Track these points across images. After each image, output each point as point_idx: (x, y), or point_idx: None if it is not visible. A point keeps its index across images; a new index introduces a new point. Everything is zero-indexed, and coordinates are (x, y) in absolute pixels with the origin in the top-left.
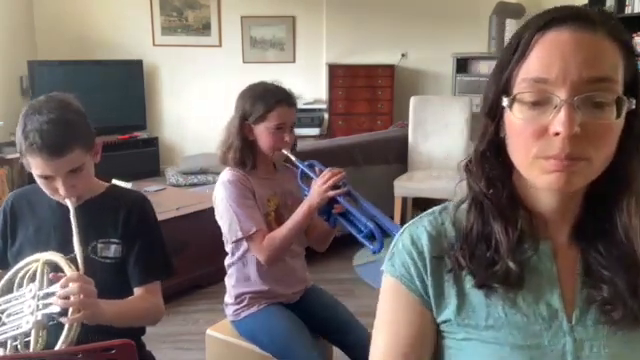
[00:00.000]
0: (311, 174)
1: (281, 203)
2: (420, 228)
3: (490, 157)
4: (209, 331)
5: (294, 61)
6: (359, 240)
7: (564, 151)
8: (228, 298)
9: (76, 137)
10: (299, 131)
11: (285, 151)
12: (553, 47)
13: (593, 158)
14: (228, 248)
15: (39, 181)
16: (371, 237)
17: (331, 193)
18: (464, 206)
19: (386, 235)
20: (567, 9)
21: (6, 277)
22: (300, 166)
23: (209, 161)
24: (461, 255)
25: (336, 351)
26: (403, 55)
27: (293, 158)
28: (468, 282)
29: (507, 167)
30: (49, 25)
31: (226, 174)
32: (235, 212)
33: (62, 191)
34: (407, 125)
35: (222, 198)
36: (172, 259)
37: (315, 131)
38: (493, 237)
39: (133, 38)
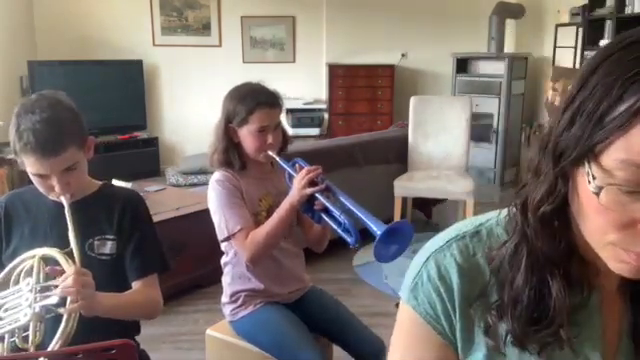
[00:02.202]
0: (293, 173)
1: (275, 203)
2: (448, 258)
3: (554, 214)
4: (209, 331)
5: (294, 61)
6: (338, 234)
7: None
8: (224, 297)
9: (69, 135)
10: (299, 131)
11: (271, 152)
12: None
13: None
14: (223, 247)
15: (34, 179)
16: (349, 231)
17: (308, 190)
18: (504, 240)
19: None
20: None
21: (2, 274)
22: (284, 166)
23: (209, 163)
24: (501, 312)
25: (336, 350)
26: (403, 55)
27: (277, 159)
28: (502, 332)
29: (569, 213)
30: (49, 25)
31: (215, 174)
32: (222, 211)
33: (57, 189)
34: (407, 125)
35: (211, 198)
36: (167, 254)
37: (315, 131)
38: (549, 300)
39: (133, 38)
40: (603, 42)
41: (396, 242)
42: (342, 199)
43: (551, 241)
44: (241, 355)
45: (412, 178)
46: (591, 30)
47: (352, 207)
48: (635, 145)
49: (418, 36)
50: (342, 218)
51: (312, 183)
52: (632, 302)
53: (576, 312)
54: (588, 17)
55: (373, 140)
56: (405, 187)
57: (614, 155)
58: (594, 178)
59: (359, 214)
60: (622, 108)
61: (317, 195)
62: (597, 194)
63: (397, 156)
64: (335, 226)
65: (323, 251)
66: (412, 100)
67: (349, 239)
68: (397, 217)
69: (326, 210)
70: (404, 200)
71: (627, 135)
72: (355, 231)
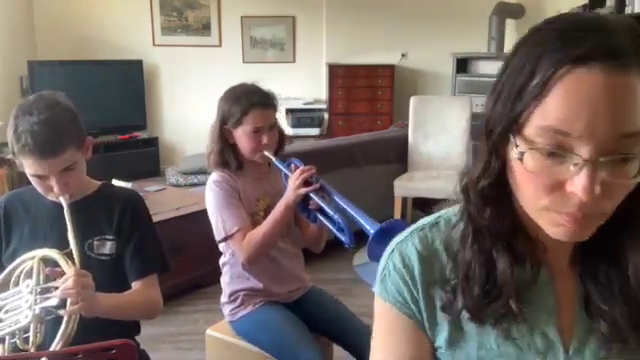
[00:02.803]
0: (289, 173)
1: (272, 203)
2: (410, 247)
3: (493, 189)
4: (209, 331)
5: (294, 61)
6: (334, 234)
7: (582, 211)
8: (223, 297)
9: (67, 136)
10: (299, 131)
11: (266, 152)
12: (580, 93)
13: (608, 210)
14: (221, 247)
15: (32, 180)
16: (344, 230)
17: (303, 190)
18: (459, 226)
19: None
20: (597, 35)
21: (1, 276)
22: (280, 167)
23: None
24: (457, 290)
25: (336, 350)
26: (403, 55)
27: (273, 159)
28: (463, 313)
29: (509, 194)
30: (49, 25)
31: (213, 175)
32: (220, 212)
33: (56, 189)
34: (407, 125)
35: (209, 199)
36: (166, 254)
37: (315, 131)
38: (495, 273)
39: (133, 38)
40: None
41: (390, 240)
42: (336, 199)
43: (493, 217)
44: (241, 355)
45: (412, 178)
46: None
47: (346, 207)
48: (550, 111)
49: (418, 36)
50: (336, 217)
51: (307, 183)
52: (582, 277)
53: (527, 288)
54: None
55: (373, 140)
56: (405, 187)
57: (533, 123)
58: (517, 146)
59: (353, 213)
60: (535, 81)
61: (312, 195)
62: (521, 159)
63: (397, 156)
64: (330, 225)
65: (323, 251)
66: (412, 100)
67: (344, 238)
68: (397, 217)
69: (321, 210)
70: (404, 200)
71: (542, 104)
72: (349, 231)
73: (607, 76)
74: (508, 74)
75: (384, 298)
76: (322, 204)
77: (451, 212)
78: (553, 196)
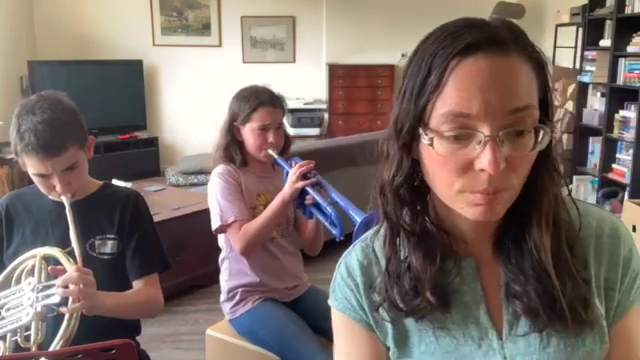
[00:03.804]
0: (290, 170)
1: (273, 200)
2: (353, 258)
3: (407, 186)
4: (209, 331)
5: (294, 61)
6: (326, 227)
7: (492, 186)
8: (222, 295)
9: (70, 136)
10: (299, 131)
11: (271, 151)
12: (471, 78)
13: (516, 185)
14: (220, 243)
15: (35, 179)
16: (335, 223)
17: (300, 184)
18: (381, 233)
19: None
20: (479, 29)
21: (3, 274)
22: (282, 165)
23: (209, 161)
24: (385, 287)
25: None
26: (403, 55)
27: (276, 157)
28: (397, 312)
29: (423, 190)
30: (49, 25)
31: (217, 168)
32: (219, 202)
33: (58, 188)
34: None
35: (210, 189)
36: (167, 253)
37: (315, 131)
38: (412, 269)
39: (133, 38)
40: (603, 42)
41: None
42: (331, 193)
43: (408, 214)
44: (241, 355)
45: None
46: (591, 30)
47: (339, 200)
48: (448, 99)
49: (418, 36)
50: (329, 210)
51: (304, 178)
52: (503, 264)
53: (452, 281)
54: (588, 17)
55: (373, 140)
56: None
57: (436, 113)
58: (426, 135)
59: (343, 205)
60: (432, 76)
61: (308, 189)
62: (431, 145)
63: None
64: (323, 219)
65: (323, 252)
66: None
67: (334, 231)
68: None
69: (316, 205)
70: None
71: (441, 95)
72: (341, 223)
73: (491, 61)
74: (409, 75)
75: (336, 307)
76: (317, 197)
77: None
78: (465, 177)
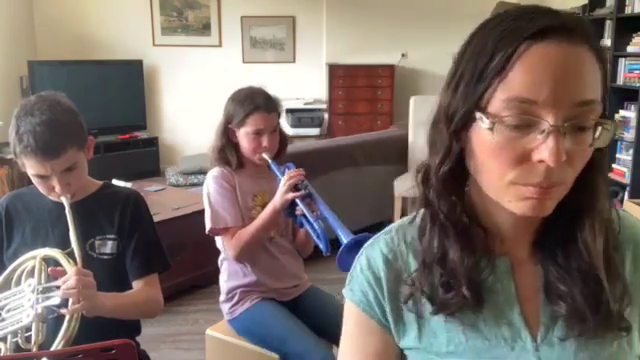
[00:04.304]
0: (282, 178)
1: (270, 200)
2: (376, 250)
3: (452, 175)
4: (209, 331)
5: (294, 61)
6: (313, 240)
7: (547, 180)
8: (222, 296)
9: (69, 137)
10: (299, 131)
11: (265, 155)
12: (543, 64)
13: (569, 181)
14: (219, 244)
15: (34, 180)
16: (321, 238)
17: (289, 196)
18: (417, 222)
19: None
20: (551, 15)
21: (3, 275)
22: (275, 172)
23: (209, 161)
24: (417, 280)
25: (336, 350)
26: (403, 55)
27: (270, 162)
28: (427, 307)
29: (462, 181)
30: (49, 25)
31: (212, 170)
32: (211, 207)
33: (58, 189)
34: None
35: (205, 192)
36: (167, 253)
37: (315, 131)
38: (449, 261)
39: (133, 38)
40: (603, 42)
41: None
42: (320, 207)
43: (450, 203)
44: (241, 355)
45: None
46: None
47: (327, 216)
48: (515, 84)
49: (418, 36)
50: (316, 225)
51: (296, 188)
52: (543, 264)
53: (486, 279)
54: (588, 17)
55: (373, 140)
56: (405, 187)
57: (498, 98)
58: (487, 119)
59: (332, 222)
60: (496, 59)
61: (297, 201)
62: (491, 129)
63: (397, 156)
64: (311, 231)
65: (305, 256)
66: (412, 100)
67: (321, 246)
68: (397, 217)
69: (305, 216)
70: (404, 200)
71: (505, 79)
72: (326, 239)
73: (563, 48)
74: (467, 59)
75: (350, 298)
76: (305, 211)
77: (416, 213)
78: (519, 169)
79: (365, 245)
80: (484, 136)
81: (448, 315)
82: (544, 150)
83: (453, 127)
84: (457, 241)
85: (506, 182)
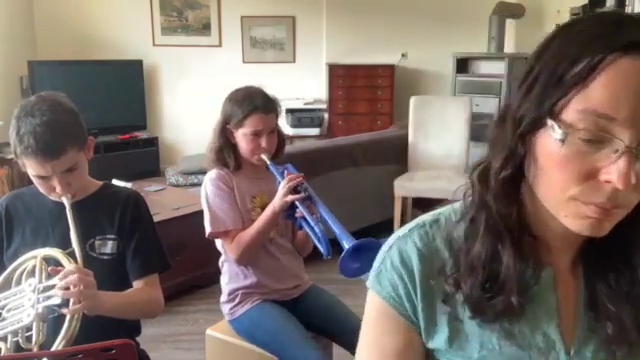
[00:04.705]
0: (281, 180)
1: (269, 201)
2: (410, 244)
3: (512, 179)
4: (209, 331)
5: (294, 61)
6: (313, 243)
7: (612, 201)
8: (223, 297)
9: (70, 138)
10: (299, 131)
11: (263, 156)
12: (628, 80)
13: (632, 205)
14: (219, 246)
15: (35, 181)
16: (322, 242)
17: (289, 198)
18: (461, 223)
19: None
20: None
21: (4, 275)
22: (274, 172)
23: (206, 162)
24: (461, 281)
25: (336, 349)
26: (403, 55)
27: (268, 163)
28: (461, 309)
29: (517, 186)
30: (49, 25)
31: (210, 173)
32: (210, 210)
33: (58, 189)
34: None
35: (203, 195)
36: (167, 253)
37: (315, 131)
38: (500, 267)
39: (133, 38)
40: None
41: (364, 259)
42: (320, 210)
43: (508, 208)
44: (241, 355)
45: (412, 178)
46: None
47: (328, 219)
48: (594, 96)
49: (418, 36)
50: (317, 229)
51: (296, 191)
52: (588, 278)
53: (529, 288)
54: None
55: (373, 140)
56: (405, 187)
57: (574, 108)
58: (559, 128)
59: (332, 226)
60: (580, 66)
61: (297, 203)
62: (562, 141)
63: (397, 156)
64: (311, 234)
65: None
66: (412, 100)
67: (322, 249)
68: (397, 217)
69: (305, 219)
70: (404, 200)
71: (586, 89)
72: (327, 242)
73: None
74: (545, 62)
75: (378, 292)
76: (305, 214)
77: (451, 209)
78: (584, 185)
79: (395, 237)
80: (551, 145)
81: (484, 320)
82: (614, 171)
83: (521, 130)
84: (511, 247)
85: (567, 196)
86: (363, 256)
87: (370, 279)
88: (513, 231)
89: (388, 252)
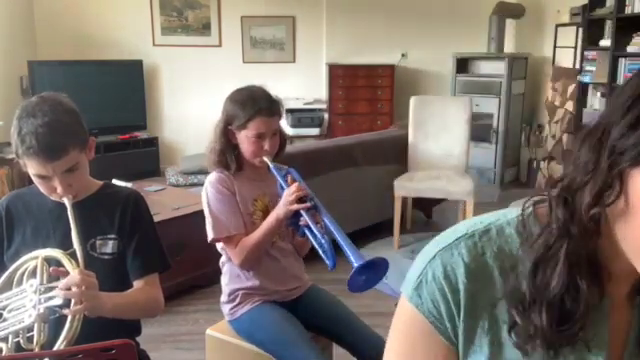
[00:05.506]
0: (284, 185)
1: (271, 204)
2: (456, 257)
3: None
4: (209, 331)
5: (294, 61)
6: (318, 254)
7: None
8: (223, 297)
9: (71, 138)
10: (299, 131)
11: (265, 158)
12: None
13: None
14: (219, 247)
15: (36, 181)
16: (328, 254)
17: (294, 207)
18: (514, 237)
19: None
20: None
21: (5, 275)
22: (277, 176)
23: (207, 163)
24: (528, 312)
25: (336, 349)
26: (403, 55)
27: (271, 166)
28: (505, 332)
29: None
30: (49, 25)
31: (210, 176)
32: (212, 215)
33: (60, 190)
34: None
35: (204, 199)
36: (167, 253)
37: (315, 131)
38: (578, 300)
39: (133, 38)
40: (603, 42)
41: (370, 273)
42: (326, 221)
43: (592, 241)
44: (241, 355)
45: (412, 178)
46: (591, 30)
47: (335, 232)
48: None
49: (418, 36)
50: (323, 241)
51: (300, 199)
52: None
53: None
54: (588, 17)
55: (373, 140)
56: (405, 187)
57: None
58: None
59: (341, 242)
60: None
61: (302, 212)
62: None
63: (397, 156)
64: (316, 245)
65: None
66: (412, 100)
67: (328, 262)
68: (397, 217)
69: (309, 228)
70: (404, 200)
71: None
72: (333, 255)
73: None
74: None
75: (416, 305)
76: (311, 225)
77: (504, 220)
78: None
79: (439, 247)
80: None
81: (541, 349)
82: None
83: (620, 167)
84: (589, 279)
85: None
86: (371, 271)
87: (408, 290)
88: (594, 266)
89: (430, 263)
